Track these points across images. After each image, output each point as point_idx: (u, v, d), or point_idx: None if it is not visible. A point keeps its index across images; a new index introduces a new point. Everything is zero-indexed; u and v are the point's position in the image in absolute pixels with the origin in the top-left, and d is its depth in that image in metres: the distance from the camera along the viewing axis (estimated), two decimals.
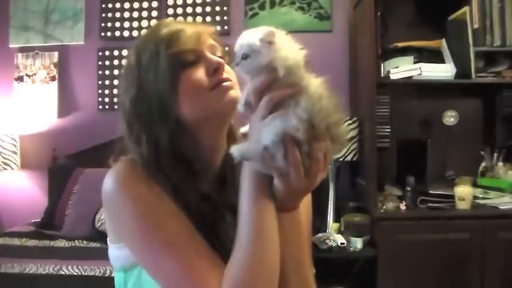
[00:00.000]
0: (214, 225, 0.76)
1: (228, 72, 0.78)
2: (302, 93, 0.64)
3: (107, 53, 2.98)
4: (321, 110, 0.63)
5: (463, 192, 2.25)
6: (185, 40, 0.76)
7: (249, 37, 0.67)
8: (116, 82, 2.94)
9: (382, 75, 2.47)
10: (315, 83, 0.66)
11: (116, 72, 2.96)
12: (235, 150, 0.67)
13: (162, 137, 0.75)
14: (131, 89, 0.77)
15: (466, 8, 2.36)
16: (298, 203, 0.72)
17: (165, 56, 0.74)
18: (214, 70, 0.76)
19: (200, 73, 0.75)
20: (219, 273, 0.67)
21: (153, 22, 2.90)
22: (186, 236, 0.70)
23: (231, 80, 0.77)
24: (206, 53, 0.77)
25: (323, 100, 0.64)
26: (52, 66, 3.00)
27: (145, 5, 2.97)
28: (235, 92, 0.76)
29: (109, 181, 0.73)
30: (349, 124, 2.48)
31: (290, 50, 0.67)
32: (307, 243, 0.76)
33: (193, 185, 0.76)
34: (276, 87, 0.65)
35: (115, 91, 2.94)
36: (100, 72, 2.99)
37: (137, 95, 0.76)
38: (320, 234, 2.37)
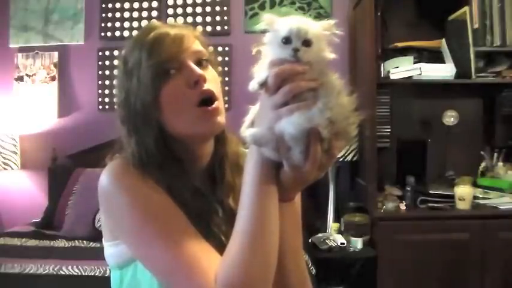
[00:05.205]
0: (208, 219, 0.77)
1: (210, 80, 0.78)
2: (323, 89, 0.63)
3: (107, 53, 2.98)
4: (341, 109, 0.62)
5: (463, 192, 2.25)
6: (168, 45, 0.76)
7: (311, 24, 0.63)
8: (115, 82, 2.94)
9: (382, 75, 2.47)
10: (333, 78, 0.65)
11: (116, 72, 2.95)
12: (248, 134, 0.65)
13: (148, 140, 0.76)
14: (120, 93, 0.81)
15: (466, 8, 2.36)
16: (298, 192, 0.73)
17: (147, 66, 0.75)
18: (195, 82, 0.76)
19: (181, 86, 0.76)
20: (214, 262, 0.67)
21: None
22: (180, 226, 0.71)
23: (213, 94, 0.77)
24: (188, 63, 0.77)
25: (342, 98, 0.63)
26: (52, 66, 3.00)
27: (145, 5, 2.96)
28: (221, 118, 0.78)
29: (104, 177, 0.75)
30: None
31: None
32: (301, 232, 0.78)
33: (185, 181, 0.77)
34: (298, 78, 0.62)
35: (115, 91, 2.93)
36: (100, 72, 2.99)
37: (124, 99, 0.80)
38: (320, 234, 2.37)
